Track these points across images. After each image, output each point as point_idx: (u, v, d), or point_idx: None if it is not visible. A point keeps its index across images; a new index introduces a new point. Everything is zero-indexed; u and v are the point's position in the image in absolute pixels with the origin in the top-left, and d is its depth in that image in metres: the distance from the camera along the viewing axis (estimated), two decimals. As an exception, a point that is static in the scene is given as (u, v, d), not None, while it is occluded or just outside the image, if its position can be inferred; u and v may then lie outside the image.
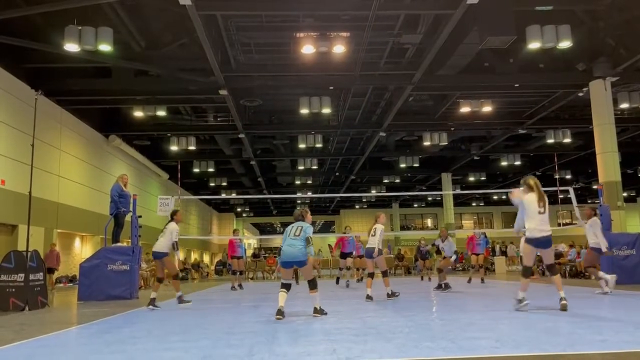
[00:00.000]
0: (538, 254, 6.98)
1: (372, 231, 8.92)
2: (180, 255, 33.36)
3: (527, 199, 6.61)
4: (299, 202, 43.49)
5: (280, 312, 6.39)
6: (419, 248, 17.94)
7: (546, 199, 6.63)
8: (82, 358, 4.21)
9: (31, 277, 8.78)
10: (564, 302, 6.34)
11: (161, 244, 8.34)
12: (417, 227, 46.69)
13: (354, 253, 14.47)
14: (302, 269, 6.74)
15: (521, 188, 6.77)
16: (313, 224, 56.35)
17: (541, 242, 6.53)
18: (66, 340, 5.33)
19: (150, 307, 8.04)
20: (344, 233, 14.69)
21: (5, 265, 8.76)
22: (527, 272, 6.70)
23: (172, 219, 8.60)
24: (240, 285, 14.15)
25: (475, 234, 15.11)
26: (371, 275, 8.96)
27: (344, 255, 14.32)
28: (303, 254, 6.54)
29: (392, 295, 8.76)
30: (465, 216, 47.35)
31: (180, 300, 8.41)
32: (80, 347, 4.88)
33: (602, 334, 4.65)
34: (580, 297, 8.79)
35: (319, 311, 6.64)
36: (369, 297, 8.68)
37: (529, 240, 6.57)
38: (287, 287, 6.64)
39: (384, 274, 9.06)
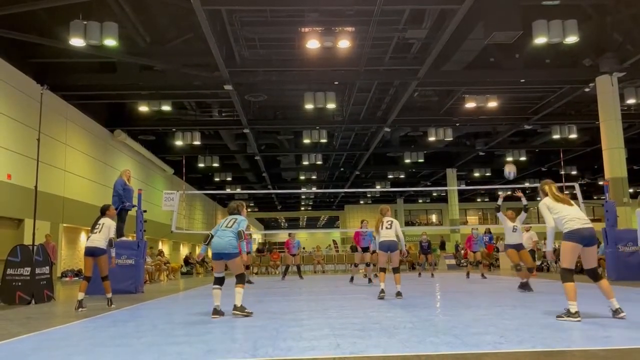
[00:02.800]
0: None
1: (385, 224, 8.37)
2: (184, 250, 33.40)
3: (546, 202, 5.66)
4: (303, 197, 43.52)
5: (216, 312, 6.16)
6: (421, 243, 17.97)
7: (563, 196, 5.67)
8: (88, 351, 4.23)
9: (37, 270, 8.84)
10: (621, 313, 5.21)
11: (99, 240, 7.69)
12: (421, 223, 46.67)
13: (370, 248, 13.68)
14: (229, 262, 6.20)
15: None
16: (317, 219, 56.69)
17: (585, 237, 5.32)
18: (72, 333, 5.36)
19: (80, 309, 7.28)
20: (361, 227, 14.19)
21: (12, 259, 8.82)
22: (568, 276, 5.40)
23: (103, 214, 7.98)
24: (248, 281, 14.20)
25: (473, 234, 15.36)
26: (383, 270, 8.57)
27: (363, 250, 13.59)
28: (232, 246, 6.12)
29: (399, 294, 8.27)
30: (470, 212, 47.26)
31: (110, 302, 7.81)
32: (86, 340, 4.91)
33: (606, 330, 4.64)
34: (584, 293, 8.76)
35: (239, 309, 6.13)
36: (382, 293, 8.15)
37: (571, 235, 5.32)
38: (219, 281, 6.33)
39: (396, 270, 8.63)
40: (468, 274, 14.56)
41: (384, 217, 8.49)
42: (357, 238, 13.95)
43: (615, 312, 5.21)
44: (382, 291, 8.20)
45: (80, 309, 7.29)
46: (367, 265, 13.55)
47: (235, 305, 6.16)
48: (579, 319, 5.14)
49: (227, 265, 6.34)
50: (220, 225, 6.38)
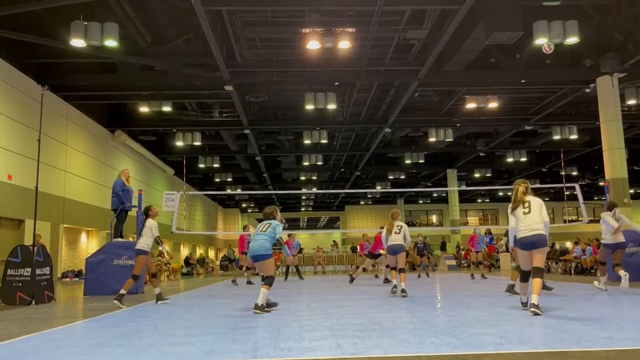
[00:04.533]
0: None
1: (395, 229, 9.01)
2: (185, 250, 33.41)
3: (510, 207, 6.43)
4: (303, 197, 43.50)
5: (270, 304, 6.72)
6: (416, 244, 18.07)
7: (528, 198, 6.24)
8: (89, 351, 4.23)
9: (38, 271, 8.83)
10: (533, 309, 5.78)
11: (141, 242, 8.21)
12: (422, 224, 46.66)
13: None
14: (261, 263, 6.72)
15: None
16: (318, 219, 56.69)
17: (526, 244, 6.11)
18: (73, 334, 5.36)
19: (160, 302, 8.11)
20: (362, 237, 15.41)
21: (12, 260, 8.82)
22: (523, 276, 6.33)
23: (147, 216, 8.41)
24: (249, 282, 14.23)
25: (475, 233, 15.42)
26: (394, 268, 9.23)
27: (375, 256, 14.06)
28: (264, 248, 6.61)
29: (404, 292, 8.69)
30: (471, 212, 47.24)
31: (118, 298, 7.90)
32: (87, 340, 4.91)
33: (607, 330, 4.63)
34: (586, 294, 8.76)
35: (260, 307, 6.50)
36: (395, 288, 9.06)
37: (516, 242, 6.26)
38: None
39: (401, 270, 9.12)
40: (472, 275, 14.57)
41: (394, 220, 9.16)
42: (362, 248, 15.95)
43: (526, 305, 6.10)
44: (395, 286, 9.11)
45: (160, 302, 8.05)
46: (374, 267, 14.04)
47: (256, 304, 6.54)
48: (526, 309, 6.05)
49: (258, 266, 6.78)
50: (257, 229, 6.88)
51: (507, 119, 21.21)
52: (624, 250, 9.27)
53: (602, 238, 9.30)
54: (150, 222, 8.25)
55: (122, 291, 7.96)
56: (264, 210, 7.13)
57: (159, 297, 8.21)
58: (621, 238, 9.06)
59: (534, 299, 5.81)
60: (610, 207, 9.26)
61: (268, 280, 6.63)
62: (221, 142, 24.73)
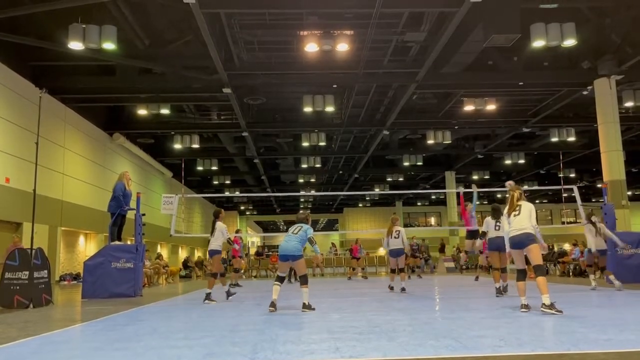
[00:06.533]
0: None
1: (394, 234, 10.10)
2: (183, 253, 33.33)
3: (504, 212, 6.90)
4: (302, 200, 43.46)
5: (273, 305, 6.94)
6: (411, 247, 18.18)
7: (520, 202, 6.62)
8: (87, 355, 4.22)
9: (35, 274, 8.80)
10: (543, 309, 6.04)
11: (214, 243, 8.94)
12: (420, 226, 46.64)
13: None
14: (294, 263, 7.17)
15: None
16: (316, 222, 56.73)
17: (514, 243, 6.50)
18: (71, 337, 5.34)
19: (207, 301, 8.69)
20: (356, 243, 18.01)
21: (10, 263, 8.78)
22: (520, 276, 6.55)
23: (217, 218, 9.08)
24: (237, 284, 14.26)
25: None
26: (393, 271, 10.44)
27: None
28: (297, 249, 7.03)
29: (404, 290, 9.92)
30: (469, 215, 47.17)
31: (229, 294, 9.32)
32: (85, 344, 4.90)
33: (606, 332, 4.64)
34: (585, 295, 8.76)
35: (307, 306, 6.97)
36: (392, 289, 10.22)
37: (510, 242, 6.62)
38: (280, 280, 7.25)
39: (402, 270, 10.48)
40: (477, 277, 14.66)
41: (394, 225, 10.18)
42: (356, 251, 18.71)
43: (526, 307, 6.31)
44: (392, 287, 10.37)
45: (206, 301, 8.63)
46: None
47: (304, 304, 6.98)
48: (524, 310, 6.28)
49: (293, 266, 7.40)
50: (289, 231, 7.34)
51: (505, 121, 21.22)
52: (606, 256, 10.19)
53: (588, 244, 10.22)
54: (220, 225, 8.95)
55: (225, 288, 9.26)
56: (297, 215, 7.64)
57: (229, 293, 9.26)
58: (603, 245, 9.93)
59: (545, 299, 6.01)
60: (588, 217, 10.11)
61: (303, 279, 7.09)
62: (219, 144, 24.71)
